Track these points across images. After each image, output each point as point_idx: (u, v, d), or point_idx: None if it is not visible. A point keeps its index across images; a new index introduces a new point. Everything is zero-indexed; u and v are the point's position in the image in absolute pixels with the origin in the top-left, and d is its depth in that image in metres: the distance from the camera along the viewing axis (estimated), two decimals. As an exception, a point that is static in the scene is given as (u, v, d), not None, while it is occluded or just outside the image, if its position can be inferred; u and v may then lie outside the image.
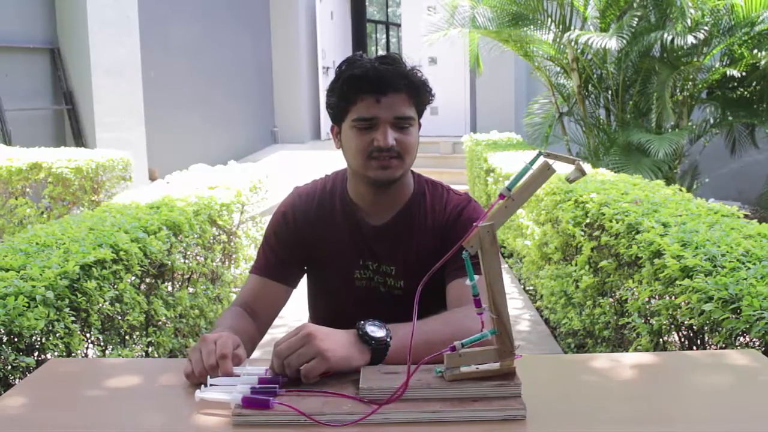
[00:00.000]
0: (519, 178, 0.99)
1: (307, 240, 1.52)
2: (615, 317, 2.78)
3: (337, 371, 1.08)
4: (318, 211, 1.53)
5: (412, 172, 1.54)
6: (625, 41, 5.40)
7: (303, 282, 1.61)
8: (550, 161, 0.96)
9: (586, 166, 4.45)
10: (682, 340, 2.18)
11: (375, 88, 1.38)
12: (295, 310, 1.74)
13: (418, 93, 1.43)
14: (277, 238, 1.53)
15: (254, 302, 1.48)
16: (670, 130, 5.85)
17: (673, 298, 2.11)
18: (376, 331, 1.13)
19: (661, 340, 2.28)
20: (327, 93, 1.47)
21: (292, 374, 1.07)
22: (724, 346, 1.76)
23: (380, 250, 1.50)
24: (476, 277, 1.03)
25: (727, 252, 2.03)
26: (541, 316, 3.95)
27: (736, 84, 6.05)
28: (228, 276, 3.74)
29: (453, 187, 1.58)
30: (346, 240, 1.51)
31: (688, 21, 5.40)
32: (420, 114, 1.47)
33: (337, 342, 1.10)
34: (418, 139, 1.46)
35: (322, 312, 1.62)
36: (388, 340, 1.13)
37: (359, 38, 11.71)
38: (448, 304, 1.41)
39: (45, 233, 2.38)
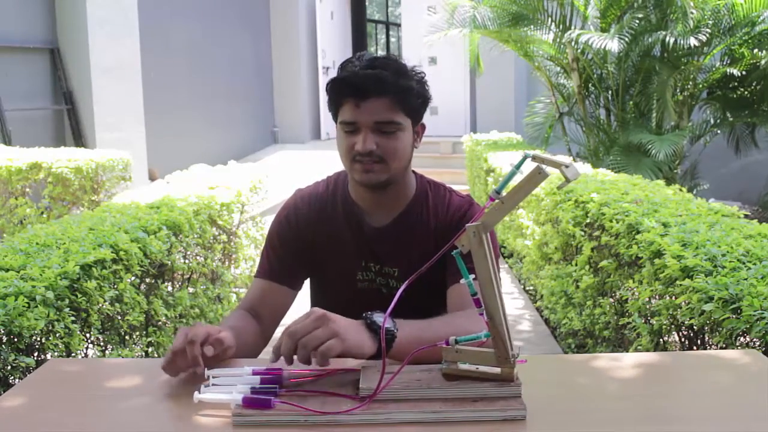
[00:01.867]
0: (507, 180, 0.99)
1: (310, 242, 1.52)
2: (615, 317, 2.77)
3: (349, 355, 1.08)
4: (320, 212, 1.52)
5: (415, 173, 1.54)
6: (625, 42, 5.40)
7: (305, 283, 1.61)
8: (543, 165, 0.95)
9: (585, 167, 4.48)
10: (682, 340, 2.18)
11: (355, 93, 1.37)
12: (297, 312, 1.73)
13: (405, 98, 1.40)
14: (280, 240, 1.53)
15: (258, 305, 1.47)
16: (670, 131, 5.85)
17: (673, 298, 2.11)
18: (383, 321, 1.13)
19: (661, 340, 2.28)
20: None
21: (303, 357, 1.05)
22: (724, 346, 1.76)
23: (382, 251, 1.49)
24: (471, 276, 1.03)
25: (728, 252, 2.03)
26: (541, 316, 3.95)
27: (736, 84, 6.04)
28: (228, 276, 3.74)
29: (453, 187, 1.58)
30: (348, 242, 1.51)
31: (690, 22, 5.40)
32: (414, 117, 1.44)
33: (350, 325, 1.10)
34: (409, 143, 1.44)
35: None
36: (395, 330, 1.13)
37: (359, 38, 11.70)
38: (449, 307, 1.41)
39: (45, 233, 2.38)
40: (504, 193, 0.98)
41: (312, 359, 1.06)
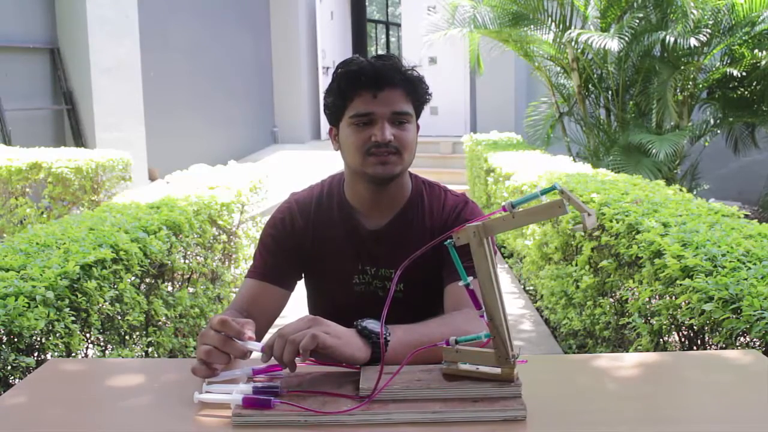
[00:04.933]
0: (526, 200, 0.97)
1: (305, 246, 1.51)
2: (615, 317, 2.78)
3: (342, 360, 1.08)
4: (315, 216, 1.52)
5: (410, 173, 1.53)
6: (625, 42, 5.40)
7: (303, 288, 1.60)
8: (566, 202, 0.93)
9: (585, 167, 4.46)
10: (683, 340, 2.18)
11: (371, 84, 1.38)
12: (294, 316, 1.74)
13: (415, 89, 1.42)
14: (274, 242, 1.51)
15: (251, 306, 1.45)
16: (670, 131, 5.85)
17: (673, 298, 2.11)
18: (375, 327, 1.12)
19: (661, 340, 2.28)
20: (324, 95, 1.47)
21: (291, 354, 1.05)
22: (724, 346, 1.76)
23: (379, 253, 1.49)
24: (470, 278, 1.03)
25: (728, 252, 2.03)
26: (542, 316, 3.95)
27: (736, 84, 6.04)
28: (228, 276, 3.74)
29: (453, 187, 1.58)
30: (344, 245, 1.50)
31: (690, 22, 5.40)
32: (418, 113, 1.46)
33: (342, 330, 1.10)
34: (416, 137, 1.45)
35: (321, 317, 1.61)
36: (388, 335, 1.13)
37: (359, 38, 11.71)
38: (445, 307, 1.41)
39: (45, 233, 2.38)
40: (519, 209, 0.97)
41: (297, 363, 1.06)
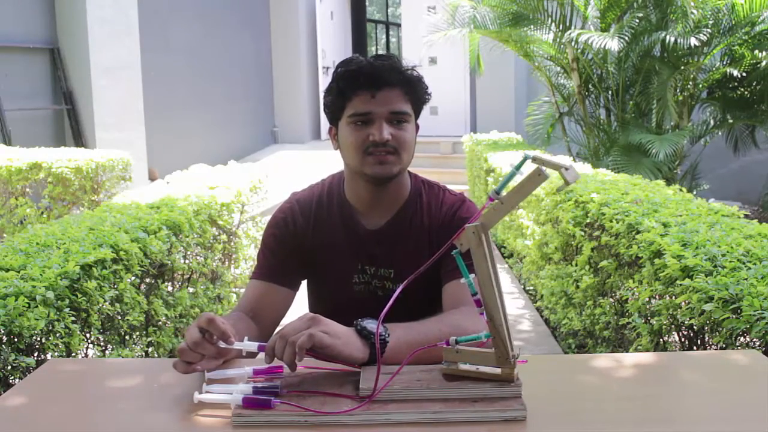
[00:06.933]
0: (507, 181, 0.99)
1: (306, 246, 1.51)
2: (615, 317, 2.78)
3: (340, 359, 1.08)
4: (316, 216, 1.52)
5: (409, 172, 1.54)
6: (625, 42, 5.40)
7: (303, 288, 1.60)
8: (543, 167, 0.94)
9: (585, 167, 4.46)
10: (683, 340, 2.18)
11: (370, 83, 1.39)
12: (295, 317, 1.73)
13: (414, 89, 1.43)
14: (276, 242, 1.52)
15: (256, 307, 1.45)
16: (670, 131, 5.85)
17: (673, 298, 2.11)
18: (374, 327, 1.12)
19: (661, 340, 2.28)
20: (324, 94, 1.48)
21: (291, 355, 1.05)
22: (724, 346, 1.76)
23: (378, 253, 1.49)
24: (471, 276, 1.03)
25: (728, 252, 2.03)
26: (541, 316, 3.95)
27: (736, 84, 6.04)
28: (228, 276, 3.74)
29: (453, 187, 1.58)
30: (343, 245, 1.50)
31: (690, 22, 5.40)
32: (417, 113, 1.46)
33: (341, 329, 1.11)
34: (414, 137, 1.46)
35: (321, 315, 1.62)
36: (387, 335, 1.13)
37: (359, 38, 11.71)
38: (444, 306, 1.41)
39: (45, 233, 2.38)
40: (503, 193, 0.98)
41: (297, 363, 1.06)
